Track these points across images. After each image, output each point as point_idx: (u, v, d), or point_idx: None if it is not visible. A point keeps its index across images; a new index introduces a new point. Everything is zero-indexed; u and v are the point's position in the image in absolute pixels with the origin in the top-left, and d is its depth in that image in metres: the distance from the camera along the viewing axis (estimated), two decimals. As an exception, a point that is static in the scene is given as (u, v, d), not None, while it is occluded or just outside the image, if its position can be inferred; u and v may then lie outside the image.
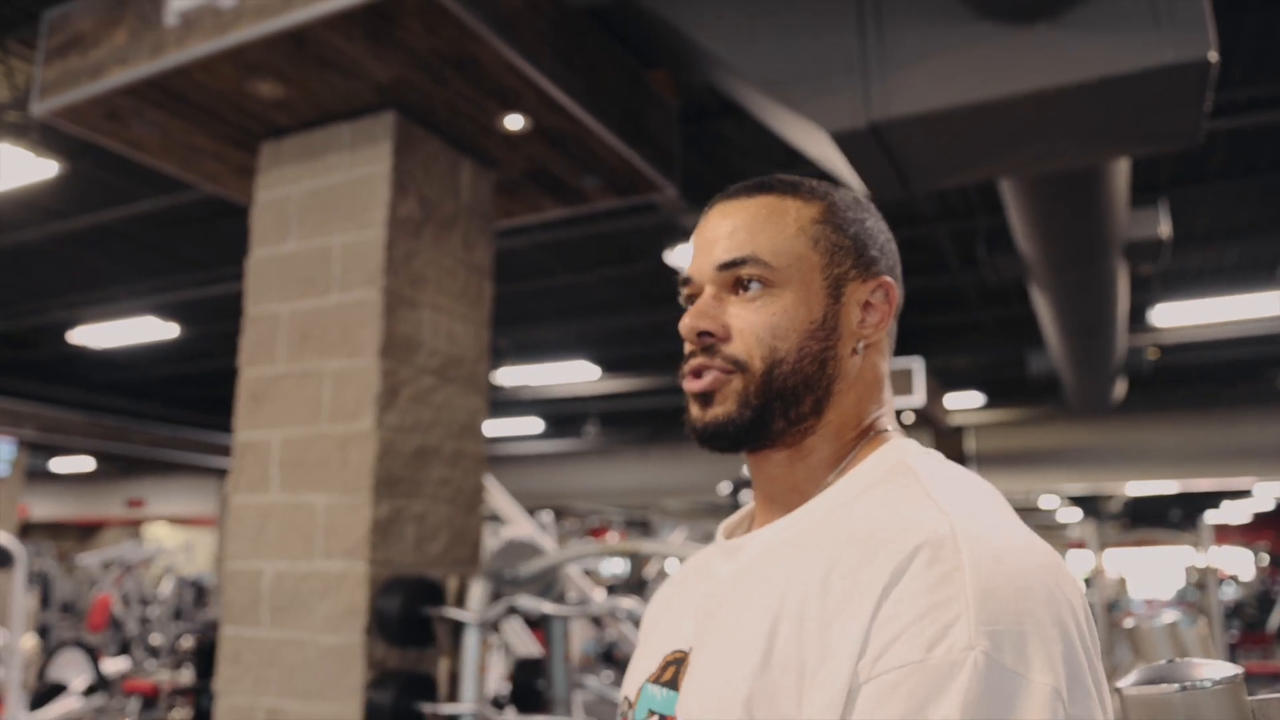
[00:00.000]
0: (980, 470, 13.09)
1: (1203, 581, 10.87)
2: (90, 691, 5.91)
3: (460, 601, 3.16)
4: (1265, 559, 18.60)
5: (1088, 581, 14.11)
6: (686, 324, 0.88)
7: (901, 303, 0.94)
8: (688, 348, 0.89)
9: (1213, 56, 2.67)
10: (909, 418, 10.51)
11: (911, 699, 0.65)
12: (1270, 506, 20.07)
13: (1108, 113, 3.02)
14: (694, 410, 0.88)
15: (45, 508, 20.67)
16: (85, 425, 13.82)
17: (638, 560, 17.92)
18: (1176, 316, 8.40)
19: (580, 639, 9.34)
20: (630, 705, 0.90)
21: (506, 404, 13.50)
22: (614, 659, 10.38)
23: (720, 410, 0.86)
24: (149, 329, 9.69)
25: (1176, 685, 0.69)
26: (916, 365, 9.63)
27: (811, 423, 0.87)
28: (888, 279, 0.91)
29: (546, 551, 3.69)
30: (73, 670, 6.27)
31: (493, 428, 14.25)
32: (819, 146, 3.38)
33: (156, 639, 11.43)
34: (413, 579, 3.08)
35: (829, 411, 0.87)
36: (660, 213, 6.28)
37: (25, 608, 5.32)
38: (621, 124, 3.65)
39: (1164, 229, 5.43)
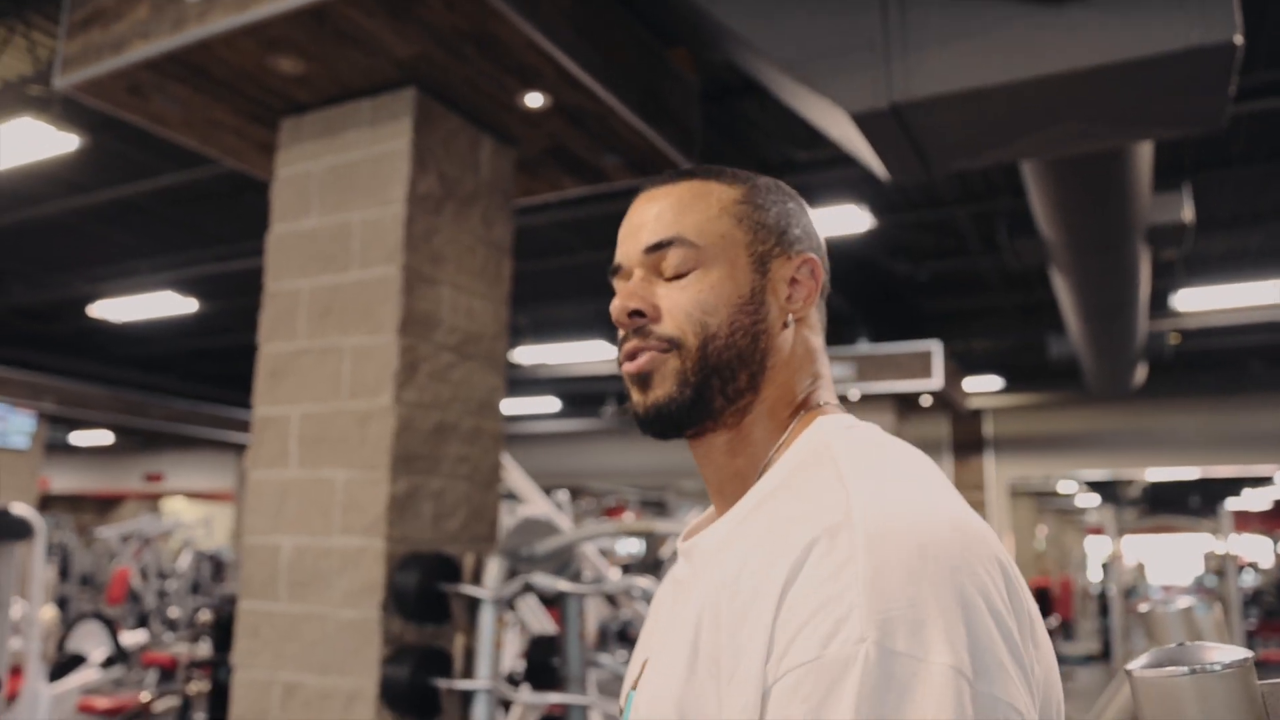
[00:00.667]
0: (998, 455, 13.10)
1: (1221, 568, 10.83)
2: (109, 663, 5.98)
3: (477, 578, 3.18)
4: (1285, 547, 18.50)
5: (1105, 567, 14.07)
6: (616, 305, 0.88)
7: (828, 284, 0.94)
8: (620, 332, 0.89)
9: (1238, 39, 2.64)
10: (927, 401, 10.48)
11: (809, 700, 0.64)
12: (1290, 494, 19.95)
13: (1131, 95, 3.00)
14: (635, 395, 0.88)
15: (65, 480, 20.88)
16: (105, 399, 13.94)
17: (653, 540, 17.95)
18: (1199, 301, 8.34)
19: (595, 617, 9.40)
20: (621, 712, 0.92)
21: (524, 383, 13.54)
22: (628, 637, 10.43)
23: (661, 392, 0.86)
24: (169, 303, 9.75)
25: (1185, 668, 0.69)
26: (935, 348, 9.60)
27: (749, 399, 0.87)
28: (812, 256, 0.91)
29: (563, 530, 3.71)
30: (92, 642, 6.34)
31: (510, 407, 14.29)
32: (840, 127, 3.36)
33: (174, 612, 11.57)
34: (430, 555, 3.10)
35: (765, 388, 0.87)
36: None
37: (44, 580, 5.38)
38: (642, 102, 3.64)
39: (1187, 213, 5.39)
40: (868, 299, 9.74)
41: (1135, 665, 0.71)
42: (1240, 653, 0.70)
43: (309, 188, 3.50)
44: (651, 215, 0.90)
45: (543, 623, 4.32)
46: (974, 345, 11.64)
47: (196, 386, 15.17)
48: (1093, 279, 6.03)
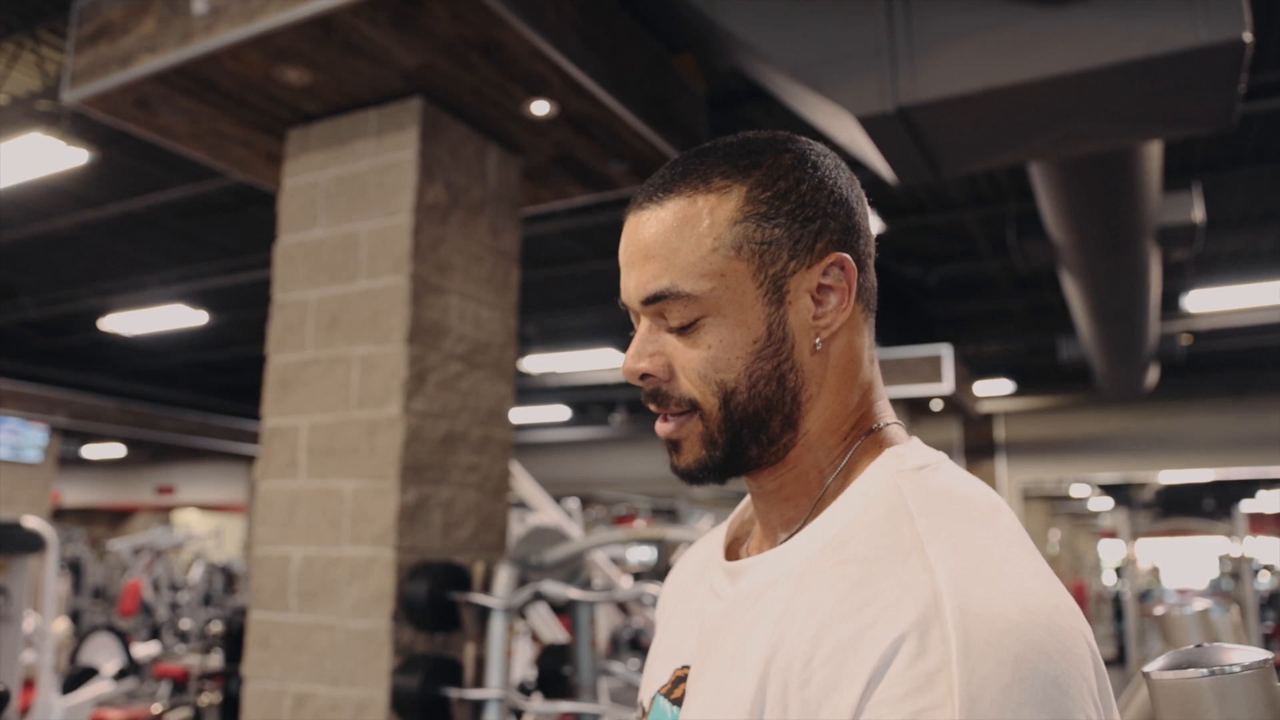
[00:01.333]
0: (1009, 459, 13.06)
1: (1237, 571, 10.76)
2: (121, 675, 5.99)
3: (487, 587, 3.17)
4: (1300, 549, 18.39)
5: (1119, 571, 14.00)
6: (626, 367, 0.83)
7: (872, 252, 0.85)
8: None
9: (1247, 37, 2.62)
10: (937, 405, 10.45)
11: None
12: (1306, 496, 19.84)
13: (1140, 95, 2.98)
14: (670, 455, 0.84)
15: (77, 493, 20.97)
16: (116, 412, 13.99)
17: (664, 547, 17.95)
18: (1210, 302, 8.30)
19: (607, 625, 9.37)
20: (644, 714, 0.89)
21: (533, 391, 13.53)
22: (640, 645, 10.40)
23: (690, 457, 0.82)
24: (178, 316, 9.79)
25: (1205, 670, 0.68)
26: (945, 352, 9.57)
27: (788, 437, 0.81)
28: (839, 254, 0.80)
29: (573, 538, 3.70)
30: (104, 654, 6.36)
31: (519, 415, 14.29)
32: (847, 131, 3.35)
33: (186, 624, 11.58)
34: (440, 564, 3.09)
35: (804, 421, 0.81)
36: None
37: (57, 593, 5.39)
38: (648, 109, 3.64)
39: (1197, 213, 5.36)
40: (877, 303, 9.70)
41: (1153, 668, 0.70)
42: (1260, 654, 0.69)
43: (316, 198, 3.51)
44: (640, 253, 0.81)
45: (554, 631, 4.31)
46: (984, 349, 11.61)
47: (207, 399, 15.23)
48: (1103, 280, 6.00)
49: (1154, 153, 4.18)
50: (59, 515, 17.93)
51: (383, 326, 3.24)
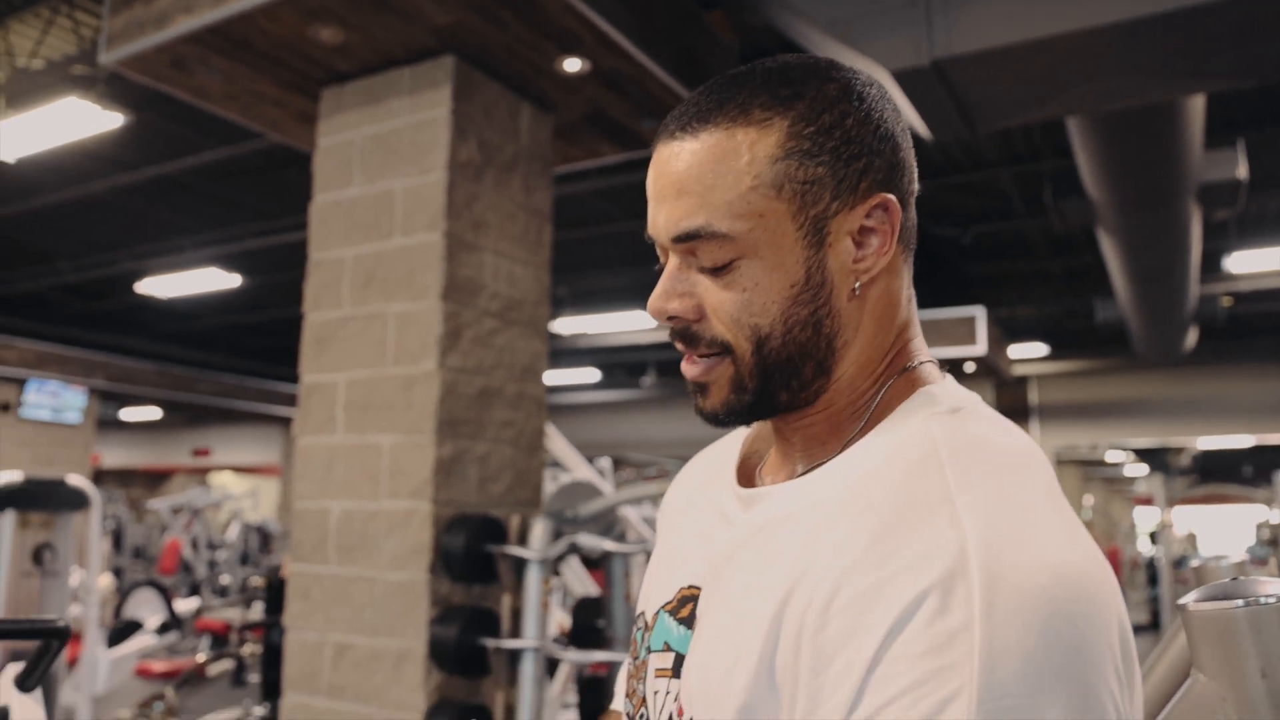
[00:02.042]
0: (1043, 424, 12.96)
1: (1275, 538, 10.66)
2: (164, 629, 6.12)
3: (523, 540, 3.21)
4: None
5: (1154, 537, 13.93)
6: (652, 306, 0.80)
7: (915, 189, 0.81)
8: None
9: (1294, -15, 2.57)
10: (970, 367, 10.39)
11: None
12: (1345, 461, 19.59)
13: (1182, 46, 2.93)
14: (696, 399, 0.81)
15: (116, 456, 21.31)
16: (153, 375, 14.19)
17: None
18: (1252, 263, 8.17)
19: (639, 579, 9.44)
20: (648, 627, 0.87)
21: (564, 353, 13.58)
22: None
23: (717, 400, 0.79)
24: (213, 279, 9.89)
25: (1240, 600, 0.68)
26: (979, 314, 9.50)
27: (820, 383, 0.78)
28: (884, 194, 0.76)
29: (606, 493, 3.73)
30: (147, 609, 6.49)
31: (551, 377, 14.36)
32: (881, 86, 3.32)
33: (225, 580, 11.80)
34: (476, 517, 3.13)
35: (837, 367, 0.78)
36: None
37: (100, 550, 5.50)
38: (679, 66, 3.62)
39: (1241, 171, 5.27)
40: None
41: (1189, 599, 0.71)
42: (1295, 587, 0.69)
43: (350, 157, 3.52)
44: (673, 186, 0.76)
45: (586, 586, 4.36)
46: (1019, 311, 11.50)
47: (242, 361, 15.39)
48: (1141, 240, 5.93)
49: (1196, 107, 4.11)
50: (98, 477, 18.24)
51: (418, 283, 3.26)
